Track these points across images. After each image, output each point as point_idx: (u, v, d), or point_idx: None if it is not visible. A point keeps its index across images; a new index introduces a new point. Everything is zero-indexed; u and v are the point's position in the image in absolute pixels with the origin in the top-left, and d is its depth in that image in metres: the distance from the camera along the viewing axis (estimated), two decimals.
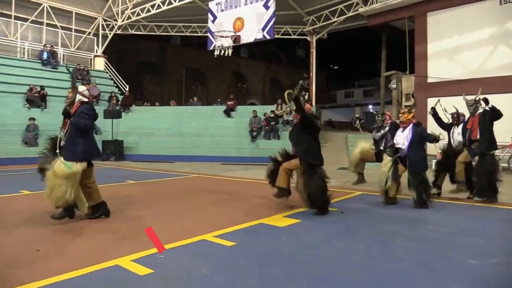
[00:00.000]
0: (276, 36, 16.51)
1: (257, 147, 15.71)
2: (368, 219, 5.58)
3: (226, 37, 16.07)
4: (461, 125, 7.32)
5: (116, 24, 21.67)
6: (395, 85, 16.22)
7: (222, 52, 16.01)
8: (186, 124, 17.60)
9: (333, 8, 17.95)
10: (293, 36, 21.06)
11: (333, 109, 42.46)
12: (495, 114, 6.73)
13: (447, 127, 7.59)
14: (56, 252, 3.97)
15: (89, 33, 22.18)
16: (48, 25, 20.45)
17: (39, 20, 20.19)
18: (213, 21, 16.99)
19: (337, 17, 17.98)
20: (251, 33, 15.67)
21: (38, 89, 16.83)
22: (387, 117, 6.86)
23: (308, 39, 20.33)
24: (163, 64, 34.30)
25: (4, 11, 19.08)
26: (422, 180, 6.23)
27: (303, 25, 20.10)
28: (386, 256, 3.90)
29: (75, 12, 21.30)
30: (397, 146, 6.56)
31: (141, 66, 32.79)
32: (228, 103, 18.78)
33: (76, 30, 21.56)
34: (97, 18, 22.06)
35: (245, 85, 40.66)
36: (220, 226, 4.95)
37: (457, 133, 7.40)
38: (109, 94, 19.13)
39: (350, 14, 17.31)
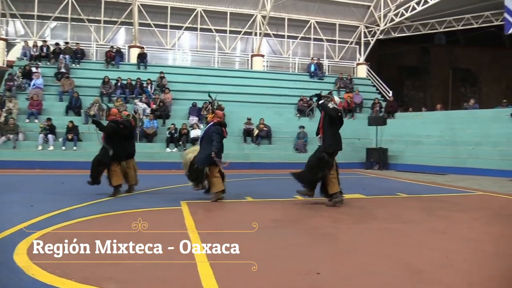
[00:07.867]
0: None
1: None
2: None
3: None
4: None
5: (378, 30, 21.19)
6: None
7: None
8: (460, 131, 15.24)
9: None
10: None
11: None
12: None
13: None
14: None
15: (351, 42, 22.48)
16: (314, 39, 21.90)
17: (306, 36, 21.83)
18: None
19: None
20: None
21: (307, 99, 17.93)
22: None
23: None
24: (426, 67, 31.88)
25: (279, 32, 21.40)
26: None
27: None
28: None
29: (339, 24, 22.00)
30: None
31: (401, 71, 31.48)
32: None
33: (339, 41, 22.28)
34: (359, 26, 22.14)
35: None
36: None
37: None
38: (372, 101, 18.78)
39: None
